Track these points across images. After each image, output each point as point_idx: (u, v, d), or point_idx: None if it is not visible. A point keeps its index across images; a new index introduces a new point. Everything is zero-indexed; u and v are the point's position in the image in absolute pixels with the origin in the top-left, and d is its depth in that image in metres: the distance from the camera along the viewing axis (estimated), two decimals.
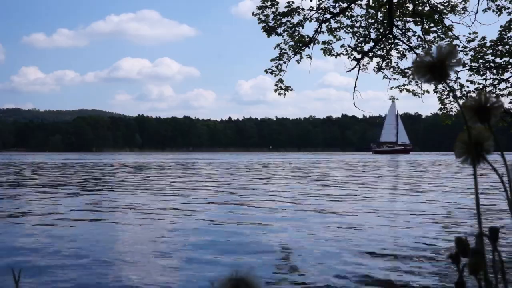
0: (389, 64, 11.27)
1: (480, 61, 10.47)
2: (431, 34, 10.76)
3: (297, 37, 10.58)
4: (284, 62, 10.68)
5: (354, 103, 10.97)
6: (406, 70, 11.12)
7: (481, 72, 10.49)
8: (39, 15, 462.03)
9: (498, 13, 10.36)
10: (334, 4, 10.61)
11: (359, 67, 10.97)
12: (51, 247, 5.62)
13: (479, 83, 10.53)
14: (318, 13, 10.52)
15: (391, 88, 11.36)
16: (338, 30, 10.87)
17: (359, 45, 11.09)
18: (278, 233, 6.57)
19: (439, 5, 10.72)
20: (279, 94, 10.55)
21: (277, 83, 10.62)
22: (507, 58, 10.33)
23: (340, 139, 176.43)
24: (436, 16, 10.62)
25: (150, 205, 9.79)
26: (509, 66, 10.44)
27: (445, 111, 11.51)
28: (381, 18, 11.04)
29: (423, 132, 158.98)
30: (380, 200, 10.65)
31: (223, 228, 6.98)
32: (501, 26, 10.35)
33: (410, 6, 10.86)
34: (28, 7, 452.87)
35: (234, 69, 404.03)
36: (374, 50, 11.02)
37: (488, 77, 10.55)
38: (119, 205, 9.80)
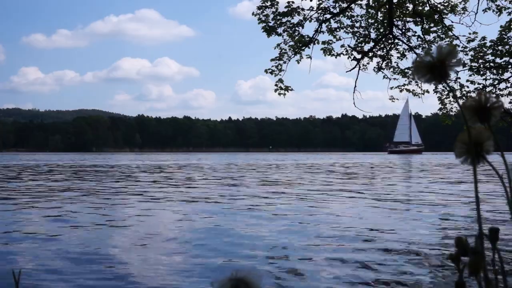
0: (389, 64, 11.26)
1: (480, 61, 10.47)
2: (431, 34, 10.75)
3: (297, 37, 10.57)
4: (284, 62, 10.67)
5: (354, 103, 10.96)
6: (406, 70, 11.11)
7: (481, 72, 10.48)
8: (39, 15, 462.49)
9: (498, 13, 10.35)
10: (334, 4, 10.61)
11: (359, 67, 10.96)
12: (51, 247, 5.62)
13: (479, 83, 10.53)
14: (318, 13, 10.52)
15: (391, 88, 11.36)
16: (338, 30, 10.86)
17: (359, 45, 11.08)
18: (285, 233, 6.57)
19: (439, 5, 10.72)
20: (279, 94, 10.54)
21: (277, 83, 10.60)
22: (507, 58, 10.33)
23: (340, 139, 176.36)
24: (436, 16, 10.60)
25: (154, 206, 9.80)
26: (509, 66, 10.43)
27: (445, 111, 11.50)
28: (381, 18, 11.03)
29: (423, 132, 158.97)
30: None
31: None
32: (501, 26, 10.34)
33: (410, 6, 10.85)
34: (28, 8, 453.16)
35: (233, 69, 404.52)
36: (374, 50, 11.01)
37: (488, 77, 10.55)
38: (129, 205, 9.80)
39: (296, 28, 10.54)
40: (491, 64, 10.41)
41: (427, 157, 73.75)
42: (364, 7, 10.98)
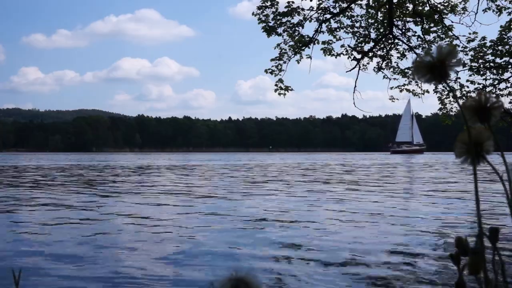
0: (389, 64, 11.25)
1: (480, 61, 10.45)
2: (431, 34, 10.74)
3: (297, 37, 10.56)
4: (284, 62, 10.66)
5: (354, 103, 10.95)
6: (406, 70, 11.10)
7: (481, 72, 10.47)
8: (39, 15, 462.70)
9: (498, 13, 10.34)
10: (334, 4, 10.60)
11: (359, 67, 10.95)
12: (51, 247, 5.62)
13: (479, 83, 10.52)
14: (318, 13, 10.51)
15: (391, 88, 11.35)
16: (338, 30, 10.85)
17: (359, 45, 11.07)
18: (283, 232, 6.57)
19: (439, 5, 10.71)
20: (279, 94, 10.53)
21: (277, 83, 10.60)
22: (507, 58, 10.32)
23: (340, 139, 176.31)
24: (436, 16, 10.59)
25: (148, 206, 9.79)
26: (509, 66, 10.42)
27: (445, 111, 11.49)
28: (381, 18, 11.02)
29: (423, 132, 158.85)
30: None
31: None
32: (501, 26, 10.33)
33: (410, 6, 10.84)
34: (28, 8, 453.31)
35: (233, 69, 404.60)
36: (374, 50, 11.00)
37: (488, 77, 10.54)
38: (120, 206, 9.80)
39: (296, 28, 10.53)
40: (491, 64, 10.39)
41: (430, 156, 73.89)
42: (364, 7, 10.98)
